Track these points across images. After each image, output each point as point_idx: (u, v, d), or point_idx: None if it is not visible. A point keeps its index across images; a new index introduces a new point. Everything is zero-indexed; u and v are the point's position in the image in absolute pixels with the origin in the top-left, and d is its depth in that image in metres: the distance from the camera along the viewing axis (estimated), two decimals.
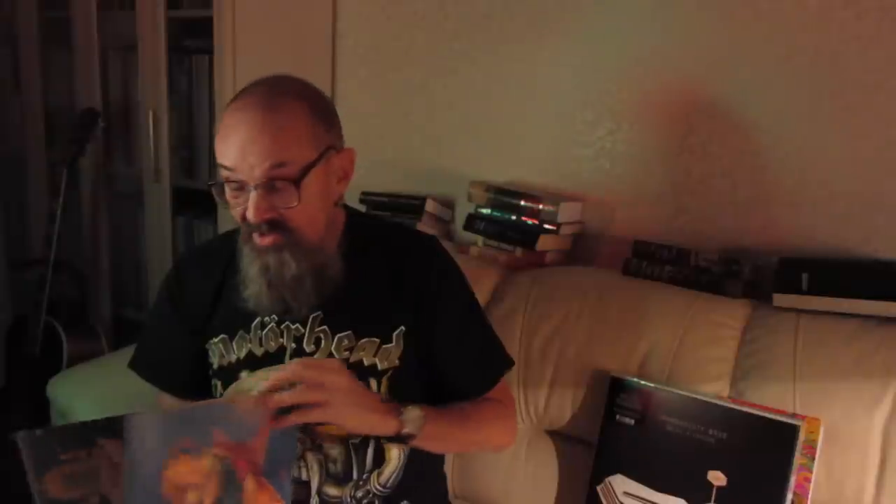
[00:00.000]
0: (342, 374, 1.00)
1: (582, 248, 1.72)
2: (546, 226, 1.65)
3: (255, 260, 1.06)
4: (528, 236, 1.65)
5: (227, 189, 1.04)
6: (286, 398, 0.94)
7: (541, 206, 1.65)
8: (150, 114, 1.99)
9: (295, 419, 0.95)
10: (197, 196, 2.04)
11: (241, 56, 1.82)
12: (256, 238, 1.04)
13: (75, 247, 2.32)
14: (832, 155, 1.43)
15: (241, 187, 1.02)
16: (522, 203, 1.68)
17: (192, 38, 2.01)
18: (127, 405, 1.58)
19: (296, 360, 1.04)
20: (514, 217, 1.69)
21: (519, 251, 1.67)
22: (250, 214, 1.01)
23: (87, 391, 1.62)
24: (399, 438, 1.04)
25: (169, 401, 1.23)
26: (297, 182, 1.01)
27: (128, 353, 1.81)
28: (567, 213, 1.66)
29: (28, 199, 2.43)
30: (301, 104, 1.03)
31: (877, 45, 1.36)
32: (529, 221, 1.67)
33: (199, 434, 0.89)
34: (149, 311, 1.27)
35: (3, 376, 2.31)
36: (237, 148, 1.00)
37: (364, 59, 2.02)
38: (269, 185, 1.00)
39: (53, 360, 2.09)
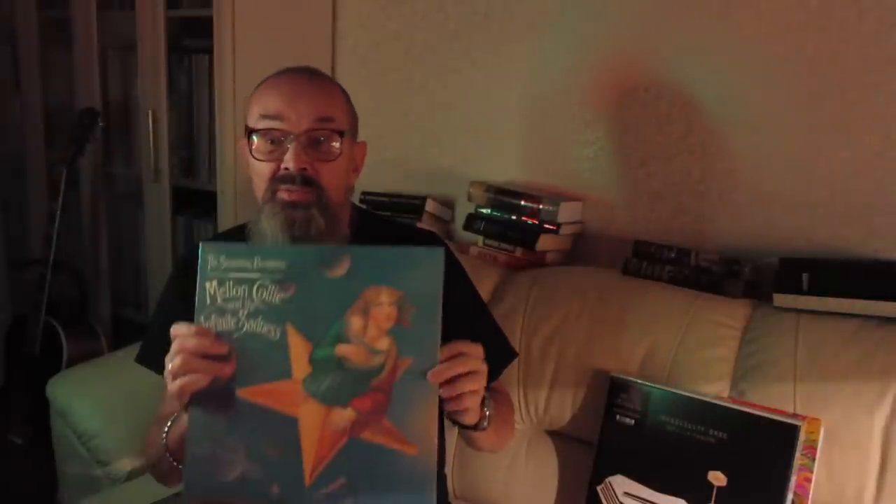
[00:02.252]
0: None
1: (582, 248, 1.72)
2: (546, 226, 1.65)
3: (279, 215, 1.04)
4: (528, 236, 1.65)
5: (261, 143, 1.05)
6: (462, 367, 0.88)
7: (541, 206, 1.65)
8: (150, 114, 1.99)
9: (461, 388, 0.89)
10: (197, 196, 2.04)
11: (241, 56, 1.82)
12: (284, 195, 1.04)
13: (75, 247, 2.31)
14: (832, 155, 1.43)
15: (280, 139, 1.04)
16: (522, 203, 1.68)
17: (192, 37, 2.01)
18: (127, 405, 1.59)
19: (457, 343, 0.91)
20: (514, 217, 1.69)
21: (519, 251, 1.67)
22: (291, 163, 1.02)
23: (87, 391, 1.62)
24: (475, 426, 1.02)
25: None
26: (342, 134, 1.06)
27: (127, 352, 1.81)
28: (567, 213, 1.66)
29: (28, 199, 2.43)
30: (338, 86, 1.14)
31: (877, 45, 1.36)
32: (529, 221, 1.67)
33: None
34: (155, 307, 1.27)
35: (2, 376, 2.31)
36: (286, 98, 1.04)
37: (364, 59, 2.02)
38: (312, 138, 1.04)
39: (53, 360, 2.08)
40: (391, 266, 0.85)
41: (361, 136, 1.19)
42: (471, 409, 0.93)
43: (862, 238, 1.41)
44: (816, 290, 1.31)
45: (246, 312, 0.87)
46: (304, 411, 0.86)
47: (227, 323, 0.87)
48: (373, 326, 0.84)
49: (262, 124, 1.05)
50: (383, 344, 0.84)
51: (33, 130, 2.36)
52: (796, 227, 1.47)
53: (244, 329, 0.87)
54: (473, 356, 0.90)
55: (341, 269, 0.85)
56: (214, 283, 0.88)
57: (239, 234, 1.18)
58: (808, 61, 1.43)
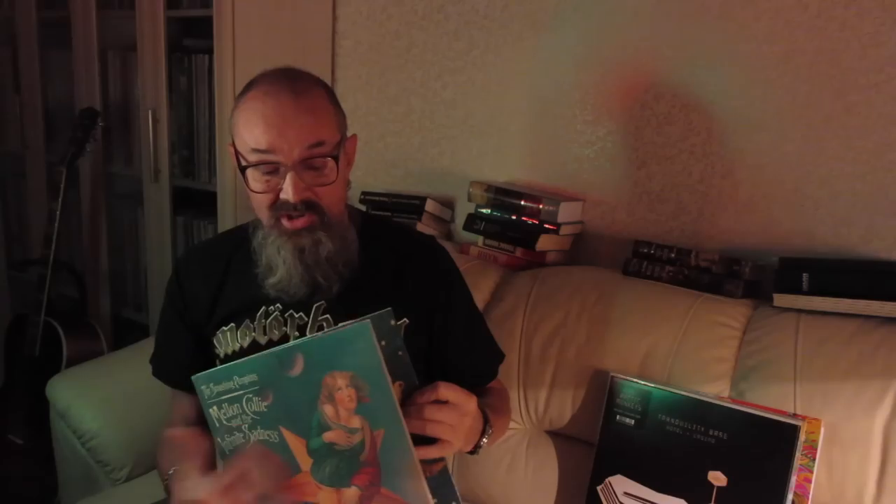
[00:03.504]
0: (472, 415, 0.99)
1: (582, 248, 1.72)
2: (546, 226, 1.65)
3: (287, 243, 1.05)
4: (528, 236, 1.65)
5: (256, 174, 1.04)
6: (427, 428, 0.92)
7: (541, 206, 1.65)
8: (150, 114, 1.99)
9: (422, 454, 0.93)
10: (197, 196, 2.04)
11: (241, 56, 1.82)
12: (286, 223, 1.05)
13: (75, 247, 2.31)
14: (832, 155, 1.43)
15: (275, 171, 1.03)
16: (522, 203, 1.68)
17: (192, 37, 2.01)
18: (127, 405, 1.59)
19: (445, 388, 0.95)
20: (514, 217, 1.69)
21: (519, 251, 1.67)
22: (289, 194, 1.02)
23: (87, 391, 1.62)
24: (473, 451, 1.06)
25: (185, 401, 1.22)
26: (336, 158, 1.05)
27: (127, 352, 1.81)
28: (567, 213, 1.66)
29: (28, 199, 2.43)
30: (321, 90, 1.08)
31: (877, 45, 1.36)
32: (529, 221, 1.67)
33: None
34: (159, 320, 1.29)
35: (2, 376, 2.32)
36: (274, 130, 1.01)
37: (364, 59, 2.02)
38: (306, 165, 1.03)
39: (53, 360, 2.09)
40: (333, 352, 0.90)
41: (362, 137, 1.19)
42: (445, 444, 0.94)
43: (862, 238, 1.42)
44: (816, 290, 1.31)
45: (247, 426, 0.96)
46: (322, 498, 0.94)
47: (237, 439, 0.97)
48: (342, 409, 0.90)
49: (254, 158, 1.03)
50: (356, 422, 0.90)
51: (33, 130, 2.36)
52: (796, 227, 1.48)
53: (251, 440, 0.96)
54: (445, 400, 0.94)
55: (298, 367, 0.91)
56: (214, 407, 0.98)
57: (238, 234, 1.19)
58: (808, 61, 1.43)
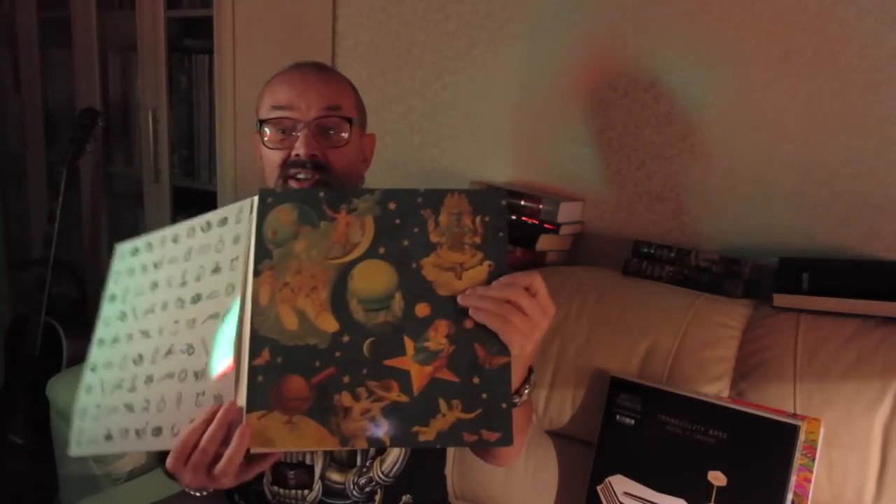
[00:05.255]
0: (548, 324, 0.86)
1: (582, 248, 1.72)
2: (546, 226, 1.65)
3: None
4: (528, 236, 1.65)
5: (272, 132, 1.09)
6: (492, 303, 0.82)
7: (541, 206, 1.65)
8: (150, 114, 1.99)
9: (481, 316, 0.82)
10: (197, 196, 2.04)
11: (241, 56, 1.82)
12: (295, 184, 1.08)
13: (75, 247, 2.31)
14: (832, 155, 1.43)
15: (290, 129, 1.08)
16: (522, 203, 1.68)
17: (192, 37, 2.02)
18: None
19: (541, 280, 0.85)
20: (513, 217, 1.69)
21: (519, 251, 1.67)
22: (301, 149, 1.06)
23: None
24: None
25: None
26: (350, 122, 1.10)
27: None
28: (567, 213, 1.66)
29: (28, 199, 2.43)
30: (346, 80, 1.17)
31: (877, 45, 1.37)
32: (529, 221, 1.67)
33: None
34: None
35: (2, 376, 2.32)
36: (295, 88, 1.08)
37: (364, 59, 2.02)
38: (321, 126, 1.08)
39: (53, 360, 2.09)
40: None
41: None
42: (516, 333, 0.82)
43: (862, 238, 1.42)
44: (816, 290, 1.31)
45: None
46: None
47: None
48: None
49: (272, 114, 1.09)
50: None
51: (33, 130, 2.36)
52: (796, 227, 1.48)
53: None
54: (535, 293, 0.84)
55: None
56: None
57: None
58: (808, 61, 1.43)
